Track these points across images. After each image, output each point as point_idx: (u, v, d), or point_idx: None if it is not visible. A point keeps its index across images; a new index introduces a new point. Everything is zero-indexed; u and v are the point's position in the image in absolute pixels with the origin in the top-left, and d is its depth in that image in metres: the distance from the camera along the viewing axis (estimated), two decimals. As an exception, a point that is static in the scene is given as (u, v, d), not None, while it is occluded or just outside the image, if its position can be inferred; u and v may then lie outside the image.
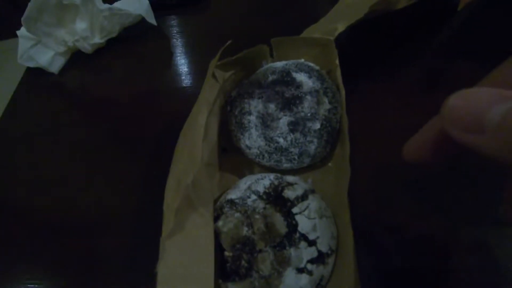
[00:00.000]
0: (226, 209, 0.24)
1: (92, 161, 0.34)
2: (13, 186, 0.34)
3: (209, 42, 0.37)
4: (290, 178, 0.25)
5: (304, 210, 0.23)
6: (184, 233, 0.21)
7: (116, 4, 0.43)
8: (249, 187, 0.24)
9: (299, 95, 0.28)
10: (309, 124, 0.27)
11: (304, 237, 0.22)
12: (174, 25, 0.47)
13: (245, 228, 0.22)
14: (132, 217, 0.29)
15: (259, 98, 0.28)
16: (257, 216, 0.22)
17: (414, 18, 0.37)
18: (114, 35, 0.44)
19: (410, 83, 0.34)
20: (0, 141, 0.38)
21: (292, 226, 0.22)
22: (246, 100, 0.29)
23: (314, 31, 0.33)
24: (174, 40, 0.45)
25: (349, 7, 0.33)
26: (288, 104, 0.27)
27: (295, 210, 0.23)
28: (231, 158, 0.30)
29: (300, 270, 0.21)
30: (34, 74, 0.43)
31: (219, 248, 0.22)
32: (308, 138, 0.27)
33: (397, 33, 0.37)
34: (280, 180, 0.25)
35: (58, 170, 0.34)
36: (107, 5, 0.41)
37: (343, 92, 0.27)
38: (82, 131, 0.37)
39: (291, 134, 0.27)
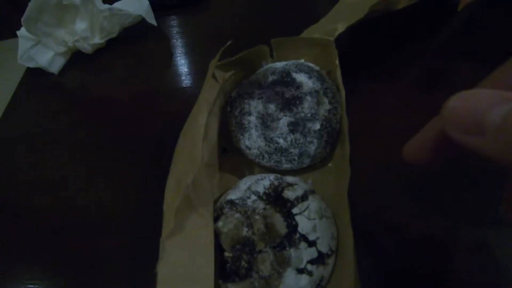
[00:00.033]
0: (226, 210, 0.24)
1: (92, 161, 0.34)
2: (13, 186, 0.34)
3: (209, 43, 0.37)
4: (290, 179, 0.25)
5: (304, 211, 0.23)
6: (184, 233, 0.21)
7: (116, 5, 0.43)
8: (249, 188, 0.24)
9: (299, 95, 0.28)
10: (309, 124, 0.27)
11: (304, 237, 0.22)
12: (174, 25, 0.47)
13: (245, 229, 0.22)
14: (132, 217, 0.29)
15: (259, 98, 0.28)
16: (257, 217, 0.22)
17: (414, 18, 0.37)
18: (114, 35, 0.44)
19: (410, 83, 0.34)
20: (0, 141, 0.38)
21: (292, 227, 0.22)
22: (246, 101, 0.29)
23: (314, 32, 0.33)
24: (174, 40, 0.45)
25: (349, 7, 0.33)
26: (288, 104, 0.27)
27: (295, 210, 0.23)
28: (231, 158, 0.30)
29: (300, 271, 0.21)
30: (34, 74, 0.43)
31: (219, 249, 0.22)
32: (308, 139, 0.27)
33: (397, 33, 0.37)
34: (280, 180, 0.25)
35: (58, 170, 0.34)
36: (107, 6, 0.41)
37: (343, 92, 0.27)
38: (82, 131, 0.37)
39: (291, 134, 0.27)
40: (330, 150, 0.29)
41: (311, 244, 0.22)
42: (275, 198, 0.23)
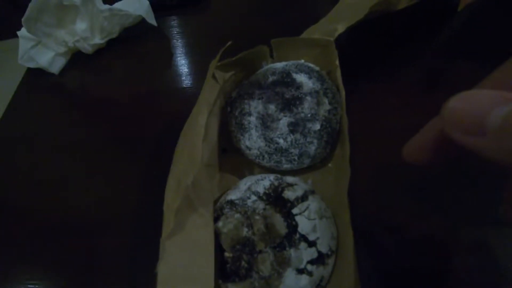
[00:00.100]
0: (226, 210, 0.24)
1: (92, 161, 0.34)
2: (13, 186, 0.34)
3: (209, 43, 0.37)
4: (290, 179, 0.25)
5: (304, 211, 0.23)
6: (184, 234, 0.21)
7: (116, 5, 0.43)
8: (249, 188, 0.24)
9: (299, 96, 0.28)
10: (309, 125, 0.27)
11: (304, 238, 0.22)
12: (174, 25, 0.47)
13: (245, 229, 0.22)
14: (132, 217, 0.29)
15: (259, 99, 0.28)
16: (257, 217, 0.22)
17: (414, 18, 0.37)
18: (114, 35, 0.44)
19: (410, 83, 0.34)
20: (0, 141, 0.38)
21: (292, 227, 0.22)
22: (246, 101, 0.29)
23: (314, 32, 0.33)
24: (174, 40, 0.45)
25: (350, 8, 0.33)
26: (288, 105, 0.27)
27: (295, 211, 0.23)
28: (231, 158, 0.30)
29: (300, 271, 0.21)
30: (35, 75, 0.43)
31: (219, 249, 0.22)
32: (308, 139, 0.27)
33: (397, 33, 0.37)
34: (280, 181, 0.25)
35: (58, 170, 0.34)
36: (107, 6, 0.41)
37: (343, 92, 0.27)
38: (82, 131, 0.37)
39: (291, 135, 0.27)
40: (330, 150, 0.29)
41: (311, 244, 0.22)
42: (275, 198, 0.23)
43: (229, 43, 0.26)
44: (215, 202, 0.25)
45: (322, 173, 0.29)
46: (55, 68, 0.43)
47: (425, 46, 0.36)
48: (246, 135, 0.28)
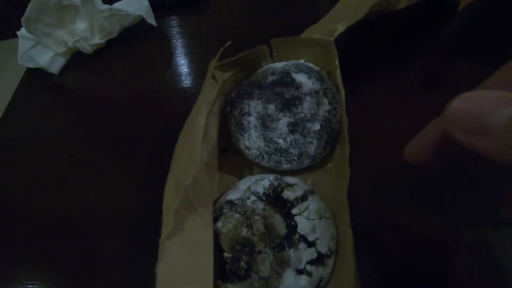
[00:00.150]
0: (225, 210, 0.24)
1: (92, 161, 0.34)
2: (13, 186, 0.34)
3: (209, 43, 0.37)
4: (289, 179, 0.25)
5: (303, 211, 0.23)
6: (184, 234, 0.21)
7: (116, 5, 0.43)
8: (248, 188, 0.24)
9: (299, 96, 0.27)
10: (308, 125, 0.27)
11: (303, 238, 0.22)
12: (174, 25, 0.47)
13: (245, 229, 0.22)
14: (132, 217, 0.29)
15: (258, 99, 0.28)
16: (256, 217, 0.22)
17: (414, 18, 0.37)
18: (114, 35, 0.44)
19: (410, 83, 0.34)
20: (0, 141, 0.38)
21: (292, 227, 0.22)
22: (245, 101, 0.29)
23: (314, 32, 0.32)
24: (174, 40, 0.45)
25: (349, 8, 0.33)
26: (288, 105, 0.27)
27: (294, 211, 0.23)
28: (231, 158, 0.30)
29: (300, 271, 0.21)
30: (34, 75, 0.43)
31: (218, 249, 0.22)
32: (307, 139, 0.27)
33: (397, 33, 0.37)
34: (280, 181, 0.25)
35: (58, 170, 0.34)
36: (107, 6, 0.41)
37: (343, 93, 0.27)
38: (82, 131, 0.37)
39: (290, 135, 0.27)
40: (329, 151, 0.28)
41: (311, 244, 0.22)
42: (275, 199, 0.23)
43: (229, 43, 0.26)
44: (215, 202, 0.25)
45: (321, 173, 0.29)
46: (55, 68, 0.43)
47: (425, 46, 0.36)
48: (246, 135, 0.28)
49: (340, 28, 0.30)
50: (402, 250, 0.25)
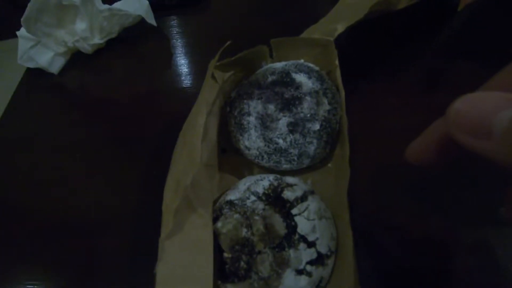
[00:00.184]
0: (225, 210, 0.24)
1: (92, 161, 0.34)
2: (13, 186, 0.34)
3: (209, 43, 0.37)
4: (289, 179, 0.25)
5: (303, 211, 0.23)
6: (183, 234, 0.21)
7: (115, 5, 0.43)
8: (248, 188, 0.24)
9: (299, 96, 0.27)
10: (308, 125, 0.27)
11: (303, 238, 0.22)
12: (174, 25, 0.47)
13: (244, 229, 0.22)
14: (132, 217, 0.29)
15: (258, 99, 0.28)
16: (256, 217, 0.22)
17: (414, 18, 0.37)
18: (113, 35, 0.44)
19: (410, 83, 0.34)
20: (0, 141, 0.38)
21: (292, 227, 0.22)
22: (245, 101, 0.28)
23: (314, 32, 0.32)
24: (174, 40, 0.45)
25: (349, 8, 0.33)
26: (288, 105, 0.27)
27: (294, 211, 0.23)
28: (231, 158, 0.30)
29: (300, 272, 0.21)
30: (34, 75, 0.43)
31: (218, 249, 0.22)
32: (307, 139, 0.27)
33: (397, 33, 0.37)
34: (280, 181, 0.25)
35: (58, 170, 0.34)
36: (106, 6, 0.41)
37: (342, 93, 0.27)
38: (82, 131, 0.37)
39: (290, 135, 0.27)
40: (329, 151, 0.28)
41: (311, 244, 0.22)
42: (275, 199, 0.23)
43: (228, 42, 0.26)
44: (214, 202, 0.25)
45: (321, 173, 0.29)
46: (55, 68, 0.43)
47: (425, 46, 0.36)
48: (245, 135, 0.28)
49: (340, 28, 0.30)
50: (402, 250, 0.25)
